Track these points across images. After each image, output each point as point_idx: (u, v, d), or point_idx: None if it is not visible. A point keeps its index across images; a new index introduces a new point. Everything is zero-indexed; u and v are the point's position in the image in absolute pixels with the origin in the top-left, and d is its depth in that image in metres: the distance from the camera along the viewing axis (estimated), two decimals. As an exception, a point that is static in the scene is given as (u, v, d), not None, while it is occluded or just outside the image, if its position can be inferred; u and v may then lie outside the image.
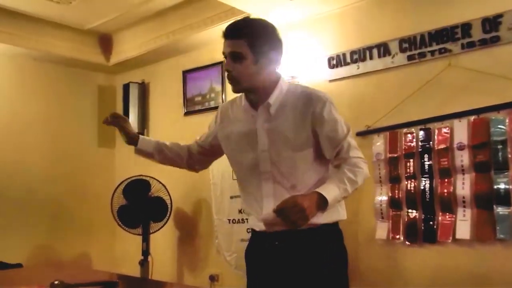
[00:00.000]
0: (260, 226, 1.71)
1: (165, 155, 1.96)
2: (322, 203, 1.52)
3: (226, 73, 1.68)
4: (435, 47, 2.72)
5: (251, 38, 1.60)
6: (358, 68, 3.03)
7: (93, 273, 4.48)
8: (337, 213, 1.71)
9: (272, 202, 1.64)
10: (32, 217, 4.13)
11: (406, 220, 2.79)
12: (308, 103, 1.64)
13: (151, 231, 3.80)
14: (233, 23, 1.67)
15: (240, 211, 3.49)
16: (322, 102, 1.64)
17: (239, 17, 3.36)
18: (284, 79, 1.72)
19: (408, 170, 2.79)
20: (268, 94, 1.67)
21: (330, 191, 1.54)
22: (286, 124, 1.65)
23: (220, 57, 3.89)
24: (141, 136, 1.95)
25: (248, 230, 3.41)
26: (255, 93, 1.68)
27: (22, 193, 4.10)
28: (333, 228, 1.73)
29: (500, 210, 2.45)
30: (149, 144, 1.94)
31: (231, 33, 1.63)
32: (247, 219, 3.39)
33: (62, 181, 4.37)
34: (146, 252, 3.81)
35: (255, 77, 1.64)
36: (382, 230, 2.88)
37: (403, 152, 2.81)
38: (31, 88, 4.29)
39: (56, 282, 1.72)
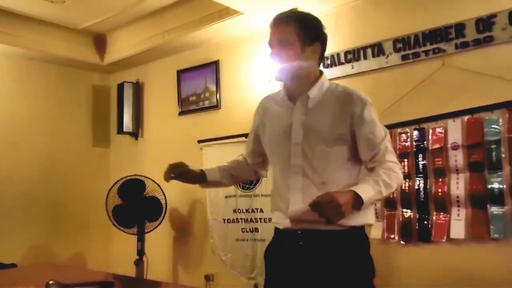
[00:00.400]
0: (284, 224, 1.68)
1: (233, 176, 1.94)
2: (358, 203, 1.49)
3: (272, 62, 1.67)
4: (429, 47, 2.73)
5: (299, 26, 1.62)
6: (352, 68, 3.03)
7: (88, 273, 4.48)
8: (365, 217, 1.66)
9: (300, 197, 1.63)
10: (27, 217, 4.13)
11: (401, 219, 2.80)
12: (349, 102, 1.63)
13: (146, 231, 3.80)
14: (282, 12, 1.67)
15: (234, 211, 3.49)
16: (363, 102, 1.63)
17: (233, 17, 3.38)
18: (326, 76, 1.72)
19: (402, 169, 2.79)
20: (308, 88, 1.66)
21: (365, 191, 1.51)
22: (322, 119, 1.64)
23: (214, 57, 3.94)
24: (205, 170, 1.89)
25: (243, 230, 3.46)
26: (297, 83, 1.68)
27: (17, 193, 4.10)
28: (360, 232, 1.68)
29: (494, 209, 2.46)
30: (215, 174, 1.90)
31: (280, 20, 1.65)
32: (242, 218, 3.46)
33: (57, 181, 4.37)
34: (141, 252, 3.82)
35: (300, 66, 1.64)
36: (377, 229, 2.87)
37: (398, 152, 2.81)
38: (25, 87, 4.28)
39: (51, 282, 1.72)
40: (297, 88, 1.68)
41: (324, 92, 1.67)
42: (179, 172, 1.82)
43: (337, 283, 1.59)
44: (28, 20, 3.91)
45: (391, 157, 1.63)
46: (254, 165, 1.94)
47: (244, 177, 1.99)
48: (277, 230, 1.77)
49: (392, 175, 1.58)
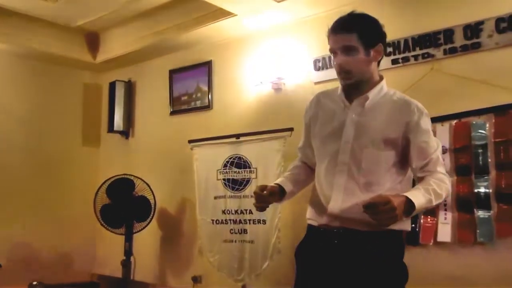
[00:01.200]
0: (320, 220, 1.71)
1: (301, 183, 1.91)
2: (409, 208, 1.51)
3: (338, 69, 1.69)
4: (418, 51, 2.80)
5: (361, 31, 1.65)
6: (342, 72, 3.09)
7: (74, 273, 4.49)
8: (403, 222, 1.66)
9: (341, 195, 1.66)
10: (12, 215, 4.12)
11: (388, 222, 2.86)
12: (406, 109, 1.67)
13: (134, 231, 3.81)
14: (341, 18, 1.70)
15: (223, 212, 3.51)
16: (420, 112, 1.67)
17: (226, 18, 3.43)
18: (385, 81, 1.75)
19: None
20: (367, 89, 1.70)
21: (417, 198, 1.53)
22: (377, 121, 1.67)
23: (207, 57, 3.98)
24: (280, 183, 1.84)
25: (231, 231, 3.48)
26: (360, 85, 1.70)
27: (4, 191, 4.10)
28: (397, 237, 1.69)
29: (481, 213, 2.53)
30: (288, 185, 1.86)
31: (341, 28, 1.67)
32: (230, 219, 3.48)
33: (45, 180, 4.38)
34: (128, 252, 3.82)
35: (366, 69, 1.68)
36: (365, 232, 2.93)
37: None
38: (15, 85, 4.30)
39: (34, 283, 1.70)
40: (356, 89, 1.70)
41: (382, 96, 1.71)
42: (271, 198, 1.77)
43: (369, 286, 1.61)
44: (19, 17, 3.93)
45: (442, 168, 1.66)
46: (311, 162, 1.90)
47: (310, 180, 1.91)
48: (310, 227, 1.79)
49: (443, 186, 1.61)
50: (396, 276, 1.66)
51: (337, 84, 3.19)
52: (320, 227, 1.72)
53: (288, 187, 1.82)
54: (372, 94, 1.69)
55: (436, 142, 1.69)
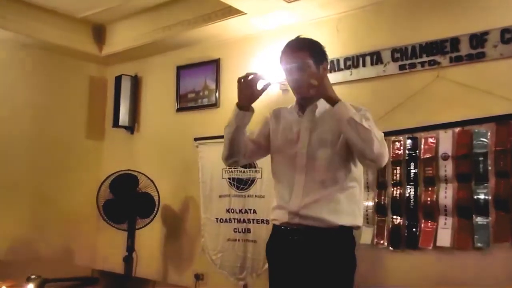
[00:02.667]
0: (282, 219, 2.03)
1: (241, 135, 2.09)
2: (337, 97, 1.88)
3: (294, 86, 2.04)
4: (425, 58, 3.05)
5: (311, 50, 2.02)
6: (351, 75, 3.34)
7: (74, 268, 4.70)
8: (355, 218, 2.02)
9: (301, 193, 1.99)
10: (13, 208, 4.29)
11: (390, 226, 3.11)
12: None
13: (137, 227, 4.00)
14: (292, 41, 2.07)
15: (228, 211, 3.77)
16: (359, 108, 1.98)
17: (235, 16, 3.66)
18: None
19: (394, 177, 3.10)
20: (317, 100, 2.05)
21: (349, 105, 1.89)
22: (326, 125, 2.01)
23: (215, 55, 4.25)
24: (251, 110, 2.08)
25: (235, 230, 3.75)
26: (312, 98, 2.03)
27: (5, 183, 4.26)
28: (349, 233, 2.03)
29: (479, 220, 2.77)
30: (248, 119, 2.08)
31: (295, 47, 2.03)
32: (234, 218, 3.76)
33: (47, 172, 4.56)
34: (130, 248, 4.00)
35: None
36: (367, 234, 3.18)
37: (391, 160, 3.12)
38: (19, 74, 4.45)
39: (33, 277, 1.84)
40: (309, 101, 2.06)
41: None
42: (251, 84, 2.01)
43: (324, 274, 1.95)
44: (24, 4, 4.08)
45: (384, 147, 1.88)
46: (250, 148, 2.15)
47: (242, 145, 2.11)
48: (274, 227, 2.13)
49: (375, 135, 1.83)
50: (346, 265, 2.01)
51: (344, 87, 3.46)
52: (281, 226, 2.06)
53: (248, 117, 2.05)
54: (320, 103, 2.03)
55: (380, 133, 1.90)
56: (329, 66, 2.18)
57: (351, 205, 2.01)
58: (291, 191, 2.02)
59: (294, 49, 2.03)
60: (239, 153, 2.12)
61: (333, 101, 1.88)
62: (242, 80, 2.02)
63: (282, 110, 2.20)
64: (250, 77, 2.00)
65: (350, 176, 2.01)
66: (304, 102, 2.08)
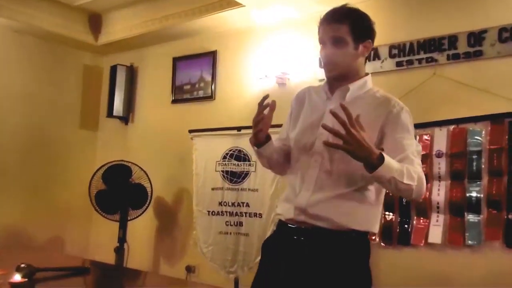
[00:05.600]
0: (287, 214, 1.79)
1: (280, 155, 1.94)
2: (376, 160, 1.53)
3: (324, 60, 1.78)
4: (422, 55, 3.09)
5: (353, 24, 1.73)
6: (348, 70, 3.38)
7: (64, 258, 4.70)
8: (369, 223, 1.74)
9: (311, 188, 1.74)
10: (5, 197, 4.30)
11: (383, 222, 3.14)
12: (387, 103, 1.74)
13: (129, 218, 4.03)
14: (333, 9, 1.78)
15: (220, 203, 3.79)
16: (401, 106, 1.73)
17: (234, 8, 3.69)
18: (371, 78, 1.85)
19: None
20: (350, 81, 1.78)
21: (390, 159, 1.55)
22: (355, 113, 1.64)
23: (212, 47, 4.27)
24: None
25: (227, 223, 3.77)
26: (344, 79, 1.78)
27: None
28: (362, 238, 1.74)
29: (471, 217, 2.83)
30: (272, 143, 1.92)
31: (333, 18, 1.75)
32: (227, 211, 3.79)
33: (40, 162, 4.58)
34: (122, 240, 4.03)
35: (352, 63, 1.77)
36: (359, 230, 3.23)
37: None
38: (12, 61, 4.44)
39: (22, 265, 1.86)
40: (340, 83, 1.79)
41: (365, 91, 1.80)
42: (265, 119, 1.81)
43: (329, 286, 1.67)
44: None
45: (420, 168, 1.66)
46: (285, 153, 1.95)
47: (279, 161, 1.94)
48: (279, 223, 1.87)
49: (418, 175, 1.60)
50: (358, 278, 1.71)
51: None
52: (286, 222, 1.80)
53: (272, 141, 1.88)
54: (354, 86, 1.78)
55: (416, 143, 1.73)
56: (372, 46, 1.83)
57: (367, 208, 1.73)
58: (302, 183, 1.76)
59: (333, 20, 1.75)
60: (282, 167, 1.95)
61: (372, 166, 1.54)
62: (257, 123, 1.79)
63: (309, 90, 1.94)
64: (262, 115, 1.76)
65: (369, 178, 1.65)
66: (334, 82, 1.81)
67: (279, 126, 2.04)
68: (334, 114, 1.54)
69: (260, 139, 1.84)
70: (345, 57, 1.75)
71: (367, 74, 1.86)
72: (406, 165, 1.60)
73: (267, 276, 1.83)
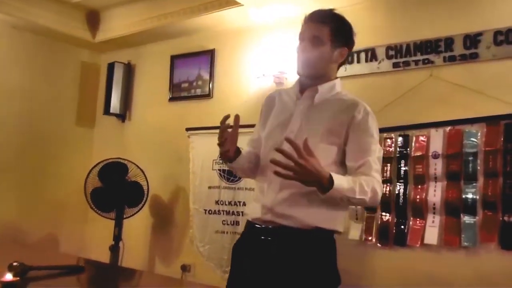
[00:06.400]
0: (254, 214, 1.85)
1: (251, 163, 2.00)
2: (327, 183, 1.59)
3: (299, 55, 1.84)
4: (419, 57, 3.13)
5: (334, 28, 1.81)
6: (345, 70, 3.39)
7: (59, 256, 4.69)
8: (333, 221, 1.80)
9: (278, 187, 1.79)
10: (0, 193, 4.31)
11: (379, 222, 3.19)
12: (353, 107, 1.80)
13: (124, 216, 4.04)
14: (320, 10, 1.85)
15: (217, 202, 3.83)
16: (367, 112, 1.79)
17: (232, 7, 3.72)
18: (340, 82, 1.92)
19: (385, 174, 3.17)
20: (319, 83, 1.86)
21: (340, 180, 1.61)
22: (322, 115, 1.79)
23: (210, 46, 4.30)
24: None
25: (224, 222, 3.81)
26: (314, 81, 1.85)
27: None
28: (327, 237, 1.80)
29: (467, 218, 2.86)
30: (243, 155, 1.99)
31: (316, 17, 1.83)
32: (223, 210, 3.82)
33: (35, 158, 4.58)
34: (118, 238, 4.04)
35: (324, 66, 1.84)
36: (355, 231, 3.26)
37: (382, 156, 3.19)
38: (9, 57, 4.45)
39: (15, 264, 1.82)
40: (312, 85, 1.86)
41: (333, 93, 1.87)
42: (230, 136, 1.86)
43: (296, 285, 1.72)
44: None
45: (377, 175, 1.73)
46: (255, 157, 2.02)
47: (250, 167, 2.01)
48: (247, 223, 1.94)
49: (372, 188, 1.67)
50: (324, 277, 1.76)
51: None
52: (254, 222, 1.86)
53: (242, 154, 1.96)
54: (323, 88, 1.85)
55: (379, 149, 1.80)
56: (348, 55, 1.91)
57: (332, 207, 1.76)
58: (269, 183, 1.81)
59: (316, 19, 1.82)
60: (255, 174, 1.99)
61: (324, 189, 1.61)
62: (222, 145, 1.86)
63: (280, 92, 2.02)
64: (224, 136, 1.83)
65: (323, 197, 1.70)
66: (305, 82, 1.89)
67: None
68: (288, 140, 1.59)
69: (229, 157, 1.91)
70: (319, 57, 1.81)
71: (337, 77, 1.93)
72: (359, 179, 1.67)
73: (237, 278, 1.89)
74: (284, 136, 1.74)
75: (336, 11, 1.88)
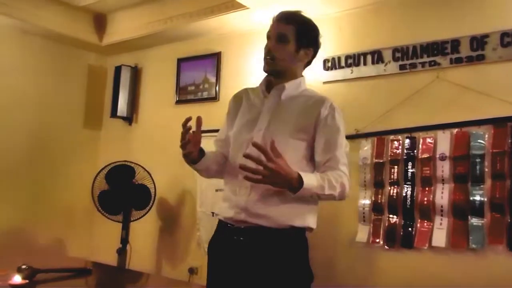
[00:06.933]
0: (226, 213, 1.90)
1: (218, 164, 2.06)
2: (296, 183, 1.66)
3: (266, 52, 1.94)
4: (425, 59, 3.14)
5: (299, 27, 1.92)
6: (351, 73, 3.43)
7: (66, 259, 4.74)
8: (308, 219, 1.86)
9: (249, 185, 1.81)
10: (7, 197, 4.33)
11: (386, 224, 3.20)
12: (319, 103, 1.89)
13: (132, 219, 4.08)
14: (288, 10, 1.97)
15: (224, 205, 3.85)
16: (332, 107, 1.89)
17: (238, 10, 3.75)
18: (305, 80, 2.02)
19: (392, 176, 3.19)
20: (287, 80, 1.95)
21: (309, 178, 1.68)
22: (290, 111, 1.88)
23: (216, 49, 4.33)
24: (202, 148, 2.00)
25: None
26: (280, 79, 1.94)
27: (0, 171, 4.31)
28: (300, 235, 1.87)
29: (474, 221, 2.87)
30: (208, 155, 2.04)
31: (282, 17, 1.95)
32: (231, 213, 3.81)
33: (43, 161, 4.62)
34: (125, 241, 4.08)
35: (290, 64, 1.93)
36: (363, 233, 3.28)
37: (389, 158, 3.21)
38: (16, 61, 4.49)
39: (23, 267, 1.88)
40: (278, 83, 1.95)
41: (300, 91, 1.97)
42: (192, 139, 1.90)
43: (272, 284, 1.78)
44: None
45: (345, 169, 1.82)
46: (222, 158, 2.07)
47: (217, 168, 2.07)
48: (219, 222, 1.98)
49: (340, 182, 1.76)
50: (298, 274, 1.82)
51: (345, 84, 3.54)
52: (226, 222, 1.91)
53: (207, 155, 1.99)
54: (290, 85, 1.94)
55: (345, 143, 1.89)
56: (313, 55, 2.00)
57: (303, 203, 1.82)
58: (241, 182, 1.82)
59: (282, 19, 1.94)
60: (221, 174, 2.05)
61: (294, 189, 1.68)
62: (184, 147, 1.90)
63: (246, 90, 2.10)
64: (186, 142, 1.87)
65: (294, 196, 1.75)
66: (272, 80, 1.97)
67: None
68: (256, 145, 1.64)
69: (193, 158, 1.95)
70: (284, 54, 1.90)
71: (302, 76, 2.02)
72: (328, 175, 1.75)
73: (214, 279, 1.93)
74: (251, 138, 1.83)
75: (303, 13, 1.98)
